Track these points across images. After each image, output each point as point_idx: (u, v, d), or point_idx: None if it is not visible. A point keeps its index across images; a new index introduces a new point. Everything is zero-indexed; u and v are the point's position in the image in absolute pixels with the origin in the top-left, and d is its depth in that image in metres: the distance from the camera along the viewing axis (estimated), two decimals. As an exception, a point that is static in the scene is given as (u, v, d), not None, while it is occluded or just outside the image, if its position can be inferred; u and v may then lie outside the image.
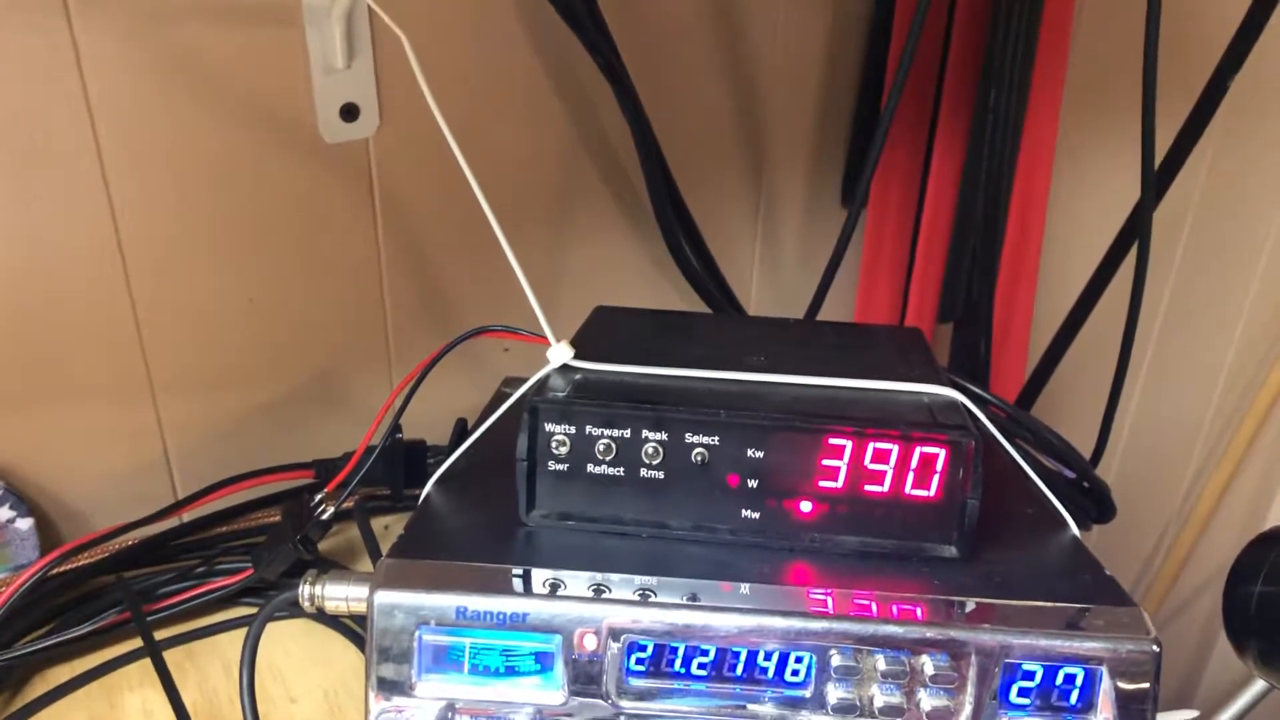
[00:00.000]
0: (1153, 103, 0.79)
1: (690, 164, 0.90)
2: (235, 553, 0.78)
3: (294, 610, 0.74)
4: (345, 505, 0.72)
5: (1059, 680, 0.48)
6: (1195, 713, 0.59)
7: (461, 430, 0.75)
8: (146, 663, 0.69)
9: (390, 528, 0.81)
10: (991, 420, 0.61)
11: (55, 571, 0.70)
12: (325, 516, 0.70)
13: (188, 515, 0.78)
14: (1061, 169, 1.08)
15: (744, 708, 0.49)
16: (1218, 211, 1.25)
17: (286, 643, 0.73)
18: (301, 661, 0.72)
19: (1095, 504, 0.79)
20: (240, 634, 0.64)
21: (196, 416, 0.81)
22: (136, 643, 0.71)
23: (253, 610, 0.74)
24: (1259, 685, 1.17)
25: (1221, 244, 1.28)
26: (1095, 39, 1.04)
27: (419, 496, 0.60)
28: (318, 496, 0.71)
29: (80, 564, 0.74)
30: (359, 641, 0.73)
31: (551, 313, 0.58)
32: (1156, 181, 0.89)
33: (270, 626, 0.73)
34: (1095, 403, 0.93)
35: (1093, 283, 0.97)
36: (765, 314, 1.03)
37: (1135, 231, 0.86)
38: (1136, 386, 1.34)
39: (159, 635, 0.70)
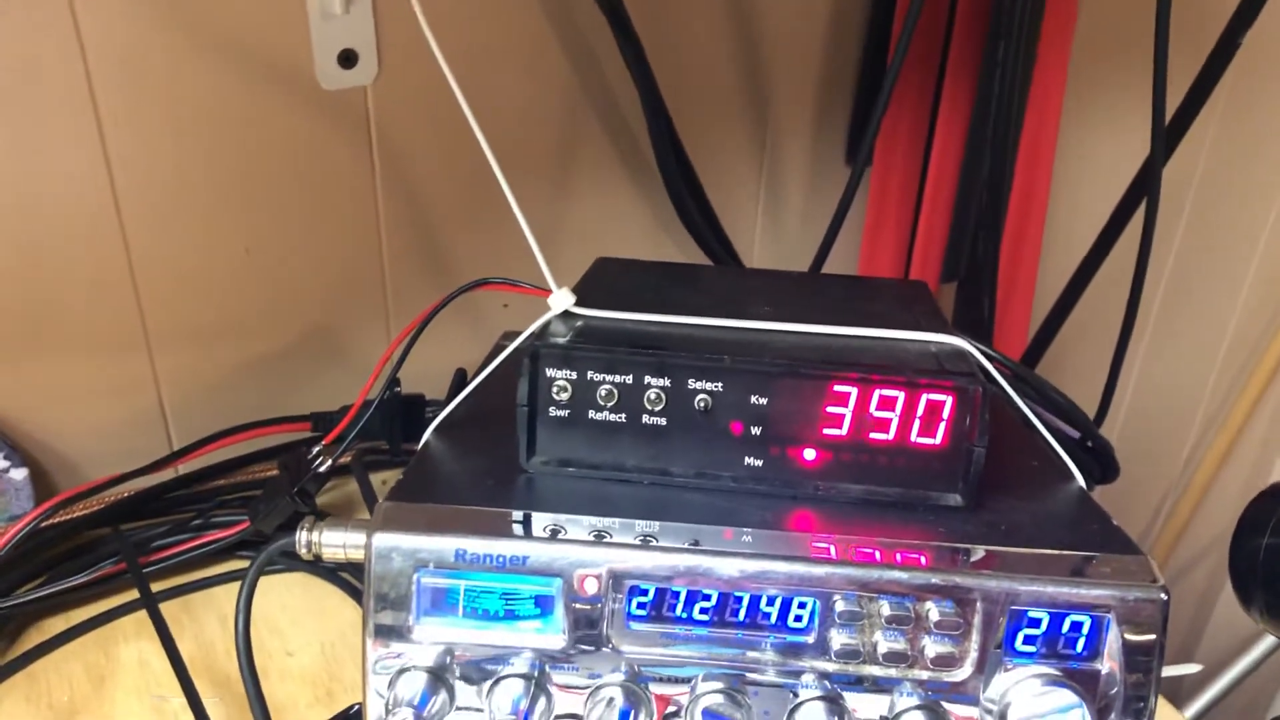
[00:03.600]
0: (1164, 59, 0.78)
1: (694, 117, 0.89)
2: (231, 506, 0.77)
3: (290, 562, 0.74)
4: (343, 460, 0.72)
5: (1065, 628, 0.48)
6: (1199, 666, 0.59)
7: (461, 379, 0.74)
8: (142, 615, 0.69)
9: (388, 483, 0.81)
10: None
11: (49, 522, 0.70)
12: (322, 469, 0.70)
13: (183, 468, 0.78)
14: (1069, 126, 1.07)
15: (746, 653, 0.49)
16: (1224, 176, 1.24)
17: (283, 597, 0.73)
18: (298, 615, 0.71)
19: (1099, 463, 0.78)
20: (236, 587, 0.64)
21: (192, 368, 0.81)
22: (132, 594, 0.71)
23: (248, 564, 0.73)
24: (1257, 651, 1.18)
25: (1227, 209, 1.28)
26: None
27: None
28: (315, 449, 0.70)
29: (75, 515, 0.73)
30: (356, 595, 0.73)
31: (552, 266, 0.57)
32: (1165, 139, 0.88)
33: (267, 581, 0.73)
34: (1099, 364, 0.93)
35: (1098, 243, 0.96)
36: (768, 270, 1.02)
37: (1143, 189, 0.85)
38: (1140, 350, 1.34)
39: (153, 588, 0.70)
